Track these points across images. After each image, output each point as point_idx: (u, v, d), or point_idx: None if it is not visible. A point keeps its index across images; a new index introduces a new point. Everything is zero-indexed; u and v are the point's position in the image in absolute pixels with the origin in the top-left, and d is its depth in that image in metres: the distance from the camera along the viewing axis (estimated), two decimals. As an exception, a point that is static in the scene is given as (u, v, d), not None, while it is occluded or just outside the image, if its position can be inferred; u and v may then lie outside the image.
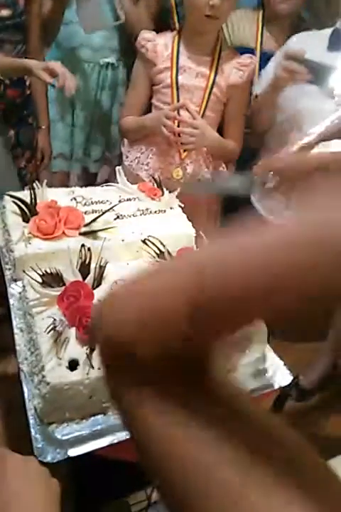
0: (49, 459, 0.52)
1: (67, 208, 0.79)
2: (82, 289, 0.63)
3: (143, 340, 0.19)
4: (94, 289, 0.66)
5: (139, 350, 0.19)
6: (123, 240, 0.79)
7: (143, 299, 0.19)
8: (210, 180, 0.86)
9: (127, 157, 1.26)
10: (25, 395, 0.58)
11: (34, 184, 0.81)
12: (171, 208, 0.90)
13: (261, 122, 1.21)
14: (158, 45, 1.17)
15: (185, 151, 1.19)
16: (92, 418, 0.58)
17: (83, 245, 0.69)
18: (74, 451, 0.54)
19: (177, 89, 1.16)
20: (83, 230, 0.78)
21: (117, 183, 0.93)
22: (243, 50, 1.25)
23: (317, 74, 1.00)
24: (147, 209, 0.87)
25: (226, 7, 1.07)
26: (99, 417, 0.58)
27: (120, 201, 0.88)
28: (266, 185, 0.78)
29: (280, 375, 0.69)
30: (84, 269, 0.67)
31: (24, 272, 0.65)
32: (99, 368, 0.56)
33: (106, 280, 0.68)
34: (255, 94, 1.21)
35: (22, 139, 1.24)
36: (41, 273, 0.64)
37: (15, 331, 0.66)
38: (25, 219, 0.76)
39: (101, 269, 0.68)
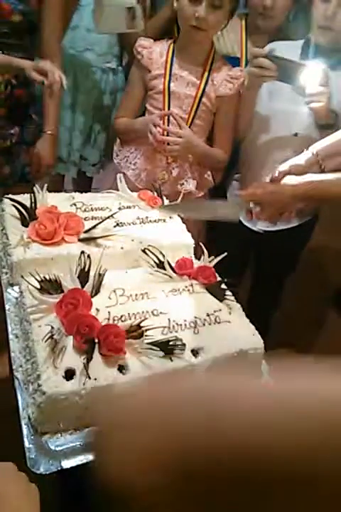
0: (42, 470, 0.51)
1: (67, 213, 0.78)
2: (81, 297, 0.62)
3: (142, 487, 0.20)
4: (92, 297, 0.65)
5: (138, 494, 0.20)
6: (122, 248, 0.78)
7: (145, 441, 0.19)
8: (197, 203, 0.87)
9: (117, 155, 1.29)
10: (19, 403, 0.57)
11: (34, 188, 0.80)
12: (170, 218, 0.90)
13: (240, 125, 1.25)
14: (154, 52, 1.20)
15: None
16: (86, 429, 0.57)
17: (83, 252, 0.69)
18: (67, 463, 0.53)
19: (169, 96, 1.19)
20: (82, 236, 0.77)
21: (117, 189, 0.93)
22: (228, 58, 1.28)
23: (286, 71, 1.05)
24: (147, 217, 0.87)
25: (214, 19, 1.10)
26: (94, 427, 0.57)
27: (120, 209, 0.87)
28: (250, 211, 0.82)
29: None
30: (83, 276, 0.66)
31: (22, 277, 0.64)
32: (95, 379, 0.55)
33: (105, 288, 0.68)
34: None
35: (26, 136, 1.23)
36: (40, 279, 0.63)
37: (11, 337, 0.65)
38: (25, 223, 0.75)
39: (101, 276, 0.68)
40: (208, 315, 0.69)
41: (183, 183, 1.24)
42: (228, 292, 0.74)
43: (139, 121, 1.24)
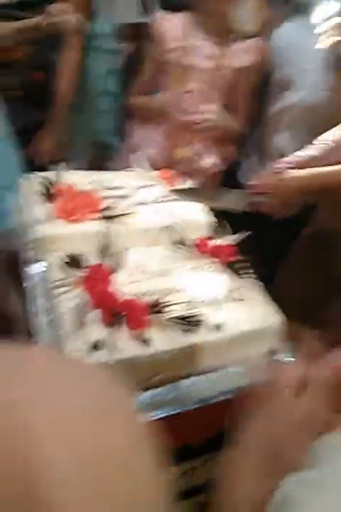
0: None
1: (87, 191, 0.79)
2: (103, 273, 0.63)
3: None
4: (114, 272, 0.66)
5: None
6: (143, 226, 0.79)
7: None
8: (206, 192, 0.87)
9: (134, 134, 1.27)
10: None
11: (58, 165, 0.81)
12: (190, 197, 0.90)
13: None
14: (169, 24, 1.17)
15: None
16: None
17: (105, 229, 0.69)
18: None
19: (186, 69, 1.16)
20: (104, 214, 0.78)
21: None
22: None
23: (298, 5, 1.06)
24: (167, 196, 0.87)
25: None
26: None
27: (139, 187, 0.87)
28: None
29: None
30: (105, 252, 0.67)
31: (47, 252, 0.65)
32: (120, 351, 0.56)
33: (126, 265, 0.69)
34: None
35: (29, 124, 1.23)
36: (63, 254, 0.64)
37: (34, 311, 0.66)
38: (48, 200, 0.76)
39: (122, 253, 0.68)
40: (229, 292, 0.69)
41: (202, 160, 1.23)
42: (249, 270, 0.74)
43: (159, 99, 1.22)
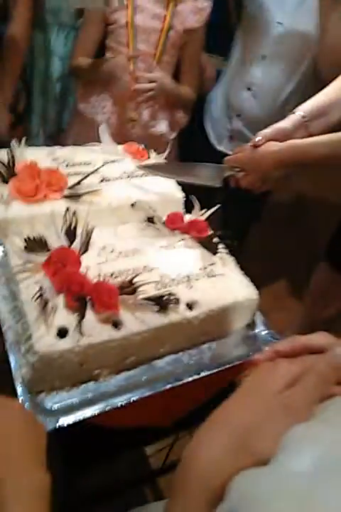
0: (40, 428, 0.50)
1: (48, 169, 0.74)
2: (69, 255, 0.60)
3: None
4: (81, 255, 0.63)
5: None
6: (109, 204, 0.75)
7: None
8: (180, 166, 0.84)
9: (82, 101, 1.21)
10: (12, 364, 0.55)
11: (12, 143, 0.75)
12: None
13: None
14: None
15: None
16: (83, 386, 0.56)
17: (68, 209, 0.65)
18: (65, 420, 0.52)
19: (134, 29, 1.11)
20: (66, 192, 0.73)
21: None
22: None
23: None
24: (133, 172, 0.83)
25: None
26: (90, 384, 0.57)
27: (105, 163, 0.83)
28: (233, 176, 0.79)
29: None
30: (70, 234, 0.63)
31: (6, 236, 0.61)
32: (89, 336, 0.54)
33: (93, 246, 0.65)
34: None
35: None
36: (24, 238, 0.60)
37: (-3, 299, 0.62)
38: (4, 180, 0.70)
39: (89, 234, 0.65)
40: (201, 269, 0.68)
41: (155, 125, 1.19)
42: (221, 245, 0.73)
43: (105, 64, 1.15)
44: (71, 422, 0.52)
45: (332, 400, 0.29)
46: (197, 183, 0.80)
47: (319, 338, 0.37)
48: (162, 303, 0.60)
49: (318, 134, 0.79)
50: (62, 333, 0.53)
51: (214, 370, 0.62)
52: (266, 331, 0.71)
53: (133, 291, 0.59)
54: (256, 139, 0.78)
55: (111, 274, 0.62)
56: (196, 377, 0.61)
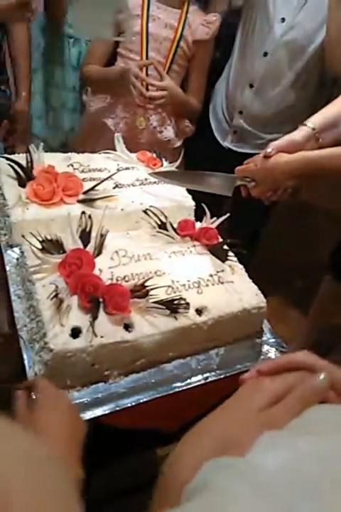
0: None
1: (65, 174, 0.76)
2: (84, 257, 0.62)
3: None
4: (95, 257, 0.64)
5: None
6: (122, 210, 0.77)
7: None
8: (192, 174, 0.86)
9: (91, 106, 1.24)
10: (25, 361, 0.57)
11: (30, 147, 0.77)
12: (170, 180, 0.89)
13: None
14: None
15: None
16: (93, 386, 0.58)
17: (84, 213, 0.67)
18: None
19: (147, 38, 1.14)
20: (82, 197, 0.75)
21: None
22: None
23: None
24: (146, 179, 0.85)
25: None
26: (100, 384, 0.58)
27: (119, 170, 0.85)
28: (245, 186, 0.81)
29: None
30: (84, 236, 0.65)
31: (23, 237, 0.63)
32: (101, 336, 0.55)
33: (106, 249, 0.67)
34: None
35: None
36: (41, 239, 0.62)
37: (13, 297, 0.64)
38: (21, 183, 0.73)
39: (103, 237, 0.67)
40: (211, 275, 0.69)
41: (162, 131, 1.22)
42: (230, 253, 0.74)
43: (116, 71, 1.18)
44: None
45: (305, 411, 0.30)
46: (207, 191, 0.82)
47: (301, 357, 0.38)
48: (172, 307, 0.61)
49: (328, 146, 0.81)
50: (76, 332, 0.55)
51: (221, 376, 0.63)
52: (273, 340, 0.72)
53: (145, 295, 0.61)
54: (268, 150, 0.80)
55: (123, 278, 0.63)
56: (203, 381, 0.62)
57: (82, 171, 0.82)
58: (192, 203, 0.83)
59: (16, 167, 0.73)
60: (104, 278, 0.61)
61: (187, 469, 0.30)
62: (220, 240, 0.76)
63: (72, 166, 0.83)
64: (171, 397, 0.60)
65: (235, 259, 0.74)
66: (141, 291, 0.61)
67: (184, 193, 0.85)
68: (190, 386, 0.61)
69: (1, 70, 1.20)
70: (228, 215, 0.76)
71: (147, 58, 1.15)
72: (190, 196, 0.85)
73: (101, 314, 0.57)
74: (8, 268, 0.67)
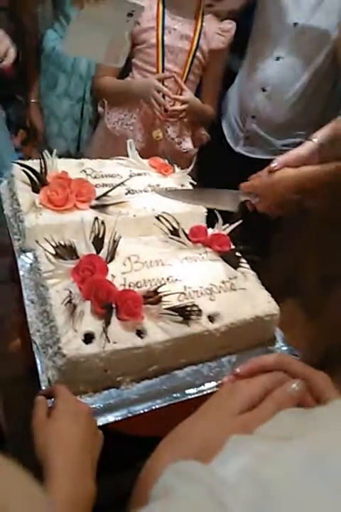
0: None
1: (78, 180, 0.77)
2: (97, 263, 0.62)
3: None
4: (108, 263, 0.65)
5: None
6: (134, 216, 0.77)
7: None
8: (199, 192, 0.86)
9: (108, 119, 1.24)
10: (38, 366, 0.57)
11: (44, 153, 0.78)
12: (182, 186, 0.89)
13: None
14: (145, 3, 1.14)
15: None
16: (105, 392, 0.58)
17: (97, 219, 0.68)
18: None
19: (163, 50, 1.15)
20: (94, 203, 0.76)
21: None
22: None
23: None
24: (158, 185, 0.86)
25: None
26: (113, 390, 0.58)
27: (131, 176, 0.86)
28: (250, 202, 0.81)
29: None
30: (97, 242, 0.66)
31: (37, 242, 0.63)
32: (114, 342, 0.55)
33: (119, 255, 0.67)
34: None
35: (13, 118, 1.20)
36: (54, 245, 0.63)
37: (26, 302, 0.64)
38: (35, 189, 0.73)
39: (115, 243, 0.67)
40: (223, 282, 0.69)
41: (181, 142, 1.22)
42: (243, 260, 0.74)
43: (136, 84, 1.19)
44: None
45: (276, 415, 0.30)
46: (215, 207, 0.82)
47: (276, 359, 0.38)
48: (185, 314, 0.61)
49: (334, 160, 0.80)
50: (89, 338, 0.55)
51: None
52: (286, 347, 0.71)
53: (157, 301, 0.61)
54: (272, 165, 0.80)
55: (136, 284, 0.64)
56: (215, 389, 0.61)
57: (95, 177, 0.83)
58: (204, 209, 0.83)
59: (30, 173, 0.74)
60: (116, 284, 0.61)
61: (159, 467, 0.30)
62: (232, 246, 0.76)
63: (85, 171, 0.83)
64: (183, 404, 0.59)
65: (247, 265, 0.74)
66: (153, 297, 0.61)
67: (196, 199, 0.85)
68: (202, 393, 0.60)
69: (17, 80, 1.22)
70: (240, 221, 0.76)
71: (163, 70, 1.16)
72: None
73: (114, 320, 0.57)
74: (21, 273, 0.67)
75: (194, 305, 0.62)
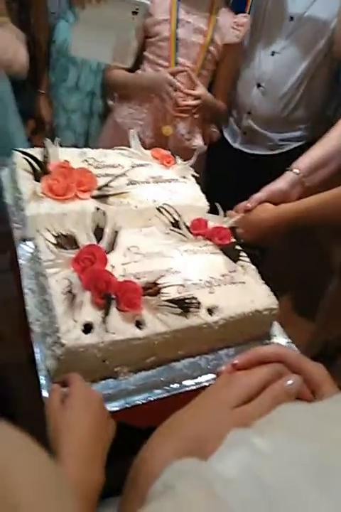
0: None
1: (80, 169, 0.76)
2: (97, 253, 0.62)
3: None
4: (107, 253, 0.65)
5: None
6: (136, 207, 0.77)
7: None
8: None
9: (118, 113, 1.23)
10: (37, 355, 0.57)
11: (46, 142, 0.78)
12: (184, 178, 0.89)
13: None
14: None
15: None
16: (103, 382, 0.58)
17: (98, 209, 0.68)
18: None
19: (177, 43, 1.13)
20: (95, 193, 0.76)
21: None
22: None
23: None
24: (160, 176, 0.85)
25: None
26: (110, 380, 0.58)
27: (133, 167, 0.85)
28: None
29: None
30: (98, 232, 0.66)
31: (38, 231, 0.63)
32: (113, 333, 0.56)
33: (119, 246, 0.67)
34: None
35: (23, 107, 1.19)
36: (55, 234, 0.63)
37: (26, 291, 0.65)
38: (37, 177, 0.73)
39: (116, 234, 0.67)
40: (223, 275, 0.69)
41: (191, 139, 1.21)
42: (243, 253, 0.74)
43: (147, 77, 1.17)
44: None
45: (274, 410, 0.30)
46: None
47: (274, 350, 0.38)
48: (184, 306, 0.61)
49: (316, 187, 0.80)
50: (88, 328, 0.55)
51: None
52: (285, 342, 0.71)
53: (157, 293, 0.61)
54: (248, 204, 0.80)
55: (135, 275, 0.64)
56: (213, 382, 0.62)
57: (97, 167, 0.82)
58: (206, 202, 0.83)
59: (32, 161, 0.74)
60: (116, 274, 0.61)
61: (157, 465, 0.30)
62: (233, 239, 0.76)
63: (87, 161, 0.83)
64: (180, 395, 0.60)
65: (247, 259, 0.74)
66: (152, 288, 0.61)
67: (198, 192, 0.85)
68: (199, 385, 0.61)
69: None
70: (241, 215, 0.76)
71: (176, 64, 1.14)
72: (203, 195, 0.85)
73: (114, 311, 0.57)
74: (21, 262, 0.67)
75: (193, 297, 0.62)
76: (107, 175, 0.80)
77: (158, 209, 0.75)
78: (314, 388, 0.35)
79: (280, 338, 0.71)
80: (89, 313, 0.56)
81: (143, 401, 0.57)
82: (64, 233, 0.63)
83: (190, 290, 0.64)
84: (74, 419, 0.43)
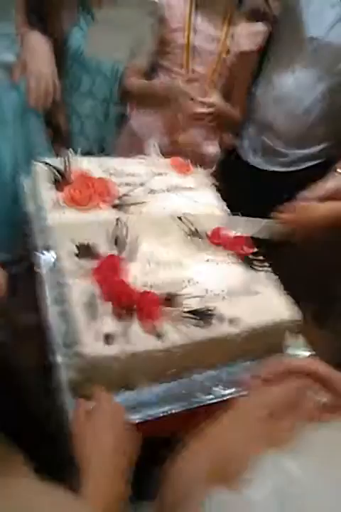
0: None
1: (101, 179, 0.77)
2: (118, 264, 0.62)
3: None
4: (129, 264, 0.64)
5: None
6: (156, 216, 0.77)
7: None
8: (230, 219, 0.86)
9: (134, 121, 1.23)
10: (57, 366, 0.57)
11: (68, 152, 0.79)
12: (203, 186, 0.88)
13: None
14: (174, 2, 1.11)
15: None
16: (123, 393, 0.57)
17: (119, 219, 0.68)
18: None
19: (191, 51, 1.12)
20: (116, 202, 0.76)
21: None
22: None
23: None
24: (179, 185, 0.85)
25: None
26: (131, 392, 0.58)
27: (152, 176, 0.85)
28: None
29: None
30: (119, 243, 0.66)
31: (58, 241, 0.64)
32: (134, 344, 0.55)
33: (140, 256, 0.67)
34: None
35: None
36: (76, 244, 0.63)
37: (47, 300, 0.65)
38: (59, 187, 0.74)
39: (136, 244, 0.67)
40: (244, 286, 0.68)
41: (207, 147, 1.20)
42: (264, 263, 0.72)
43: (162, 86, 1.17)
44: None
45: (306, 432, 0.30)
46: (254, 234, 0.80)
47: (305, 364, 0.38)
48: (205, 317, 0.60)
49: None
50: (109, 339, 0.55)
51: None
52: (308, 354, 0.69)
53: (177, 304, 0.60)
54: (304, 199, 0.79)
55: (156, 285, 0.63)
56: (235, 395, 0.61)
57: (116, 176, 0.83)
58: (226, 211, 0.82)
59: (54, 171, 0.75)
60: (137, 285, 0.61)
61: (186, 481, 0.31)
62: (254, 249, 0.75)
63: (107, 171, 0.83)
64: (202, 408, 0.59)
65: (269, 269, 0.72)
66: (172, 300, 0.61)
67: (217, 200, 0.84)
68: (221, 399, 0.59)
69: None
70: (262, 225, 0.75)
71: (191, 72, 1.14)
72: (223, 203, 0.84)
73: (134, 322, 0.57)
74: (43, 271, 0.68)
75: (214, 309, 0.61)
76: (127, 184, 0.81)
77: (178, 218, 0.75)
78: None
79: (302, 350, 0.69)
80: (110, 324, 0.56)
81: (164, 413, 0.56)
82: (85, 243, 0.63)
83: (210, 301, 0.63)
84: (98, 433, 0.43)
